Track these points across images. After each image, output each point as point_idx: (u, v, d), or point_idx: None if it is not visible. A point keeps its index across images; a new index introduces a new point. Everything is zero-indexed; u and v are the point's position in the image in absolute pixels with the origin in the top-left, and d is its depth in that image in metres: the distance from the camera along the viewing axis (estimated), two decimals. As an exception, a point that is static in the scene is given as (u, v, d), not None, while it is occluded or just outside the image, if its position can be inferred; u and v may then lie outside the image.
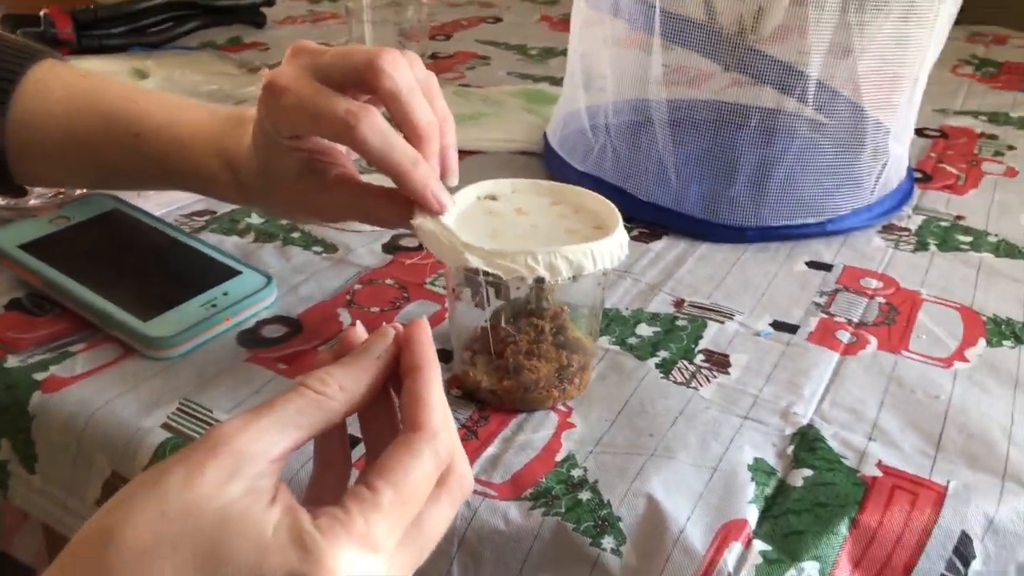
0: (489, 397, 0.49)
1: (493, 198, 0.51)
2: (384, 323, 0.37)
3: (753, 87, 0.70)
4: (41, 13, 1.11)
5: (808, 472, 0.44)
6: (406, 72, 0.45)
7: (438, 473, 0.33)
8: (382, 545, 0.31)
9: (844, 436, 0.47)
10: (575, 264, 0.44)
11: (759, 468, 0.45)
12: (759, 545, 0.41)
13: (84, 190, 0.69)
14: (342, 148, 0.51)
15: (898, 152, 0.69)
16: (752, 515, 0.42)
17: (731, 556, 0.40)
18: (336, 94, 0.44)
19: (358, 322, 0.39)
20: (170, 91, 0.90)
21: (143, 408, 0.49)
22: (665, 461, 0.45)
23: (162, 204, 0.71)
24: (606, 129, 0.73)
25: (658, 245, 0.66)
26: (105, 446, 0.48)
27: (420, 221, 0.46)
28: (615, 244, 0.46)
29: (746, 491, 0.43)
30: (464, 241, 0.44)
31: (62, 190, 0.71)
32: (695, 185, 0.67)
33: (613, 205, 0.49)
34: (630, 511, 0.42)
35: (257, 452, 0.31)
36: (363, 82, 0.44)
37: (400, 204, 0.47)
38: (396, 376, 0.36)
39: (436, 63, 1.14)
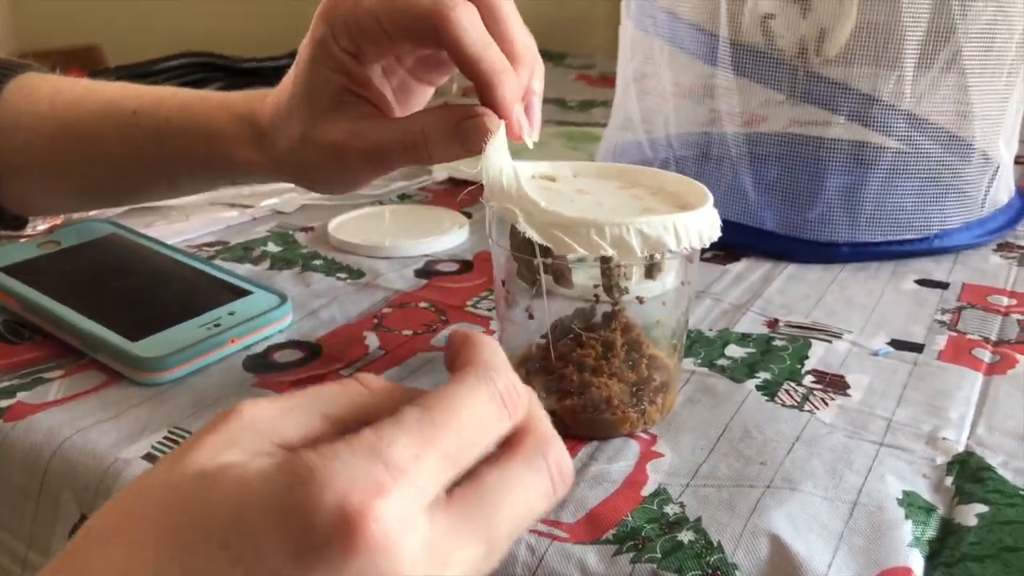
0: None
1: (551, 179, 0.42)
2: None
3: (826, 118, 0.62)
4: (55, 71, 1.07)
5: (982, 508, 0.33)
6: None
7: (497, 410, 0.24)
8: (404, 467, 0.21)
9: (1019, 465, 0.36)
10: (652, 240, 0.34)
11: (912, 503, 0.34)
12: (933, 602, 0.30)
13: (86, 214, 0.62)
14: (389, 96, 0.43)
15: (1007, 160, 0.60)
16: (916, 562, 0.31)
17: (897, 616, 0.29)
18: None
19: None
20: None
21: (124, 437, 0.39)
22: (787, 493, 0.34)
23: (168, 235, 0.63)
24: (674, 161, 0.65)
25: (737, 266, 0.57)
26: (73, 483, 0.38)
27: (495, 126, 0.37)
28: (704, 220, 0.36)
29: (901, 531, 0.32)
30: (521, 191, 0.35)
31: (58, 220, 0.64)
32: (777, 201, 0.58)
33: (702, 186, 0.40)
34: (750, 555, 0.31)
35: (265, 428, 0.23)
36: None
37: (451, 121, 0.37)
38: None
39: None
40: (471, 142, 0.37)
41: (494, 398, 0.24)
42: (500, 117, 0.37)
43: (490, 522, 0.23)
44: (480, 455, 0.23)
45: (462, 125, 0.37)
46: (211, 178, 0.51)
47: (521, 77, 0.38)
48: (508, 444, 0.24)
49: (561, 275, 0.38)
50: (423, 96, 0.45)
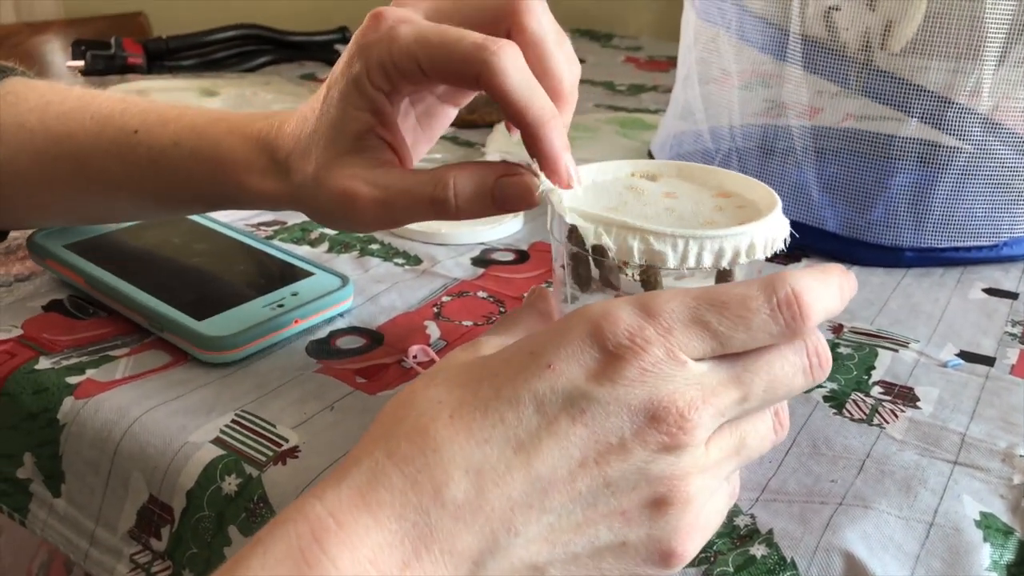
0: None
1: (652, 178, 0.41)
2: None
3: (890, 114, 0.60)
4: (112, 39, 1.07)
5: (1061, 533, 0.33)
6: (551, 17, 0.36)
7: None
8: (666, 321, 0.28)
9: (1097, 489, 0.36)
10: (679, 252, 0.34)
11: (990, 525, 0.33)
12: (1011, 630, 0.29)
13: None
14: (408, 147, 0.40)
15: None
16: (994, 587, 0.31)
17: (975, 643, 0.29)
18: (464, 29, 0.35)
19: None
20: (239, 110, 0.83)
21: (192, 419, 0.40)
22: (860, 511, 0.34)
23: (225, 214, 0.63)
24: (736, 153, 0.64)
25: (798, 268, 0.56)
26: (143, 464, 0.38)
27: (547, 185, 0.36)
28: (755, 235, 0.35)
29: (979, 555, 0.32)
30: (563, 202, 0.35)
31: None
32: (839, 201, 0.58)
33: (778, 199, 0.38)
34: (824, 574, 0.31)
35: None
36: (497, 20, 0.36)
37: (488, 179, 0.36)
38: None
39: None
40: (509, 203, 0.36)
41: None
42: (549, 166, 0.35)
43: (746, 368, 0.28)
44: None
45: (501, 184, 0.36)
46: (213, 205, 0.46)
47: (565, 116, 0.37)
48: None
49: (608, 277, 0.38)
50: (447, 119, 0.44)
